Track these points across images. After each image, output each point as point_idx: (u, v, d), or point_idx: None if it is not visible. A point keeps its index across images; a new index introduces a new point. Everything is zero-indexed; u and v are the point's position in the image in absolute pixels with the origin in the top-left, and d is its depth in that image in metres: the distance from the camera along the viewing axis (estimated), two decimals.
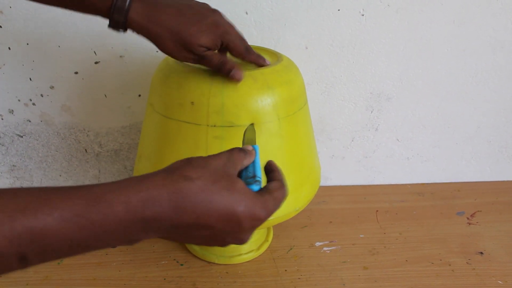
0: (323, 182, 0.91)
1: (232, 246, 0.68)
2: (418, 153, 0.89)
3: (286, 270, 0.68)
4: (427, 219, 0.81)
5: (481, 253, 0.73)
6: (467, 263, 0.71)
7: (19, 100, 0.78)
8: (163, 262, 0.69)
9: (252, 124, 0.55)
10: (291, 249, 0.73)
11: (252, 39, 0.76)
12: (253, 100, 0.55)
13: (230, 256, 0.69)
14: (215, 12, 0.54)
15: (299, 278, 0.67)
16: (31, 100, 0.78)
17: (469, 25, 0.77)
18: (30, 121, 0.80)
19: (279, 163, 0.46)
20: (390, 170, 0.91)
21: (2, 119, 0.79)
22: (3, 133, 0.80)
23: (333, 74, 0.80)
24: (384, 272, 0.69)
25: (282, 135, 0.58)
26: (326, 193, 0.89)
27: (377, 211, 0.83)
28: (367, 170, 0.91)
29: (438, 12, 0.75)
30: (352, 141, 0.87)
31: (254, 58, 0.59)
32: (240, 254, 0.69)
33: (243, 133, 0.55)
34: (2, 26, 0.72)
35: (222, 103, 0.54)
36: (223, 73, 0.53)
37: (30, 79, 0.76)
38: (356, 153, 0.89)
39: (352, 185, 0.91)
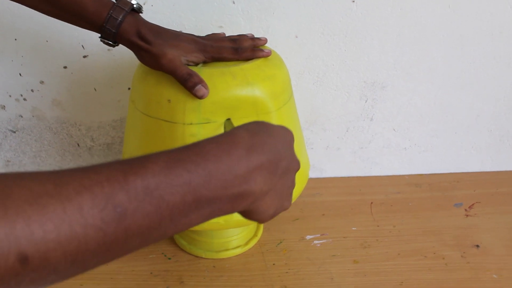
0: (318, 174, 0.90)
1: (219, 241, 0.68)
2: (416, 143, 0.87)
3: (274, 264, 0.68)
4: (423, 211, 0.79)
5: (477, 246, 0.71)
6: (461, 256, 0.69)
7: (10, 96, 0.78)
8: (151, 256, 0.69)
9: (229, 119, 0.54)
10: (280, 242, 0.72)
11: (240, 29, 0.74)
12: (231, 98, 0.54)
13: (217, 251, 0.68)
14: (192, 34, 0.59)
15: (287, 272, 0.66)
16: (22, 96, 0.78)
17: (465, 10, 0.74)
18: (22, 116, 0.80)
19: None
20: (387, 161, 0.89)
21: None
22: None
23: (324, 63, 0.78)
24: (375, 266, 0.67)
25: None
26: (320, 185, 0.87)
27: (371, 203, 0.81)
28: (363, 161, 0.89)
29: None
30: (347, 131, 0.85)
31: (250, 55, 0.59)
32: (227, 249, 0.68)
33: (217, 128, 0.54)
34: None
35: (199, 101, 0.53)
36: (186, 88, 0.52)
37: (20, 74, 0.77)
38: (352, 144, 0.87)
39: (348, 177, 0.89)
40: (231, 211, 0.34)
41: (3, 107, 0.79)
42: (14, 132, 0.82)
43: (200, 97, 0.52)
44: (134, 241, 0.29)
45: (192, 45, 0.56)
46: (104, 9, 0.54)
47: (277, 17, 0.74)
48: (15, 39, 0.74)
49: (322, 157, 0.88)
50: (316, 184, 0.87)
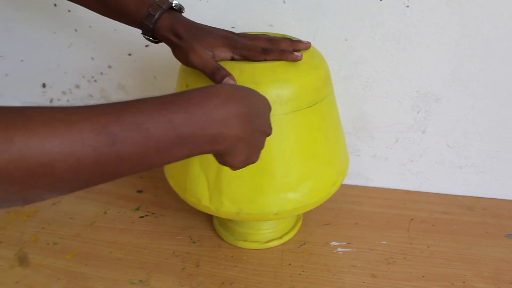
0: (364, 182, 0.87)
1: (244, 231, 0.70)
2: (473, 162, 0.80)
3: (290, 264, 0.68)
4: (466, 236, 0.73)
5: None
6: None
7: (83, 77, 0.88)
8: (178, 237, 0.73)
9: None
10: (304, 244, 0.72)
11: (290, 29, 0.75)
12: None
13: (244, 240, 0.71)
14: (227, 30, 0.60)
15: (300, 274, 0.66)
16: (93, 77, 0.88)
17: None
18: (92, 96, 0.90)
19: None
20: (439, 178, 0.83)
21: (71, 92, 0.91)
22: (71, 105, 0.91)
23: (375, 69, 0.75)
24: (393, 284, 0.64)
25: None
26: (364, 193, 0.84)
27: (411, 219, 0.77)
28: (412, 175, 0.84)
29: (497, 5, 0.66)
30: (396, 141, 0.81)
31: (277, 56, 0.57)
32: (245, 240, 0.71)
33: None
34: (70, 10, 0.82)
35: None
36: (215, 82, 0.54)
37: (92, 58, 0.86)
38: (401, 155, 0.83)
39: (394, 189, 0.85)
40: (209, 151, 0.40)
41: (78, 86, 0.89)
42: None
43: None
44: (125, 165, 0.35)
45: (220, 41, 0.57)
46: (144, 6, 0.58)
47: (327, 19, 0.73)
48: (90, 26, 0.83)
49: (369, 165, 0.85)
50: (359, 192, 0.85)
